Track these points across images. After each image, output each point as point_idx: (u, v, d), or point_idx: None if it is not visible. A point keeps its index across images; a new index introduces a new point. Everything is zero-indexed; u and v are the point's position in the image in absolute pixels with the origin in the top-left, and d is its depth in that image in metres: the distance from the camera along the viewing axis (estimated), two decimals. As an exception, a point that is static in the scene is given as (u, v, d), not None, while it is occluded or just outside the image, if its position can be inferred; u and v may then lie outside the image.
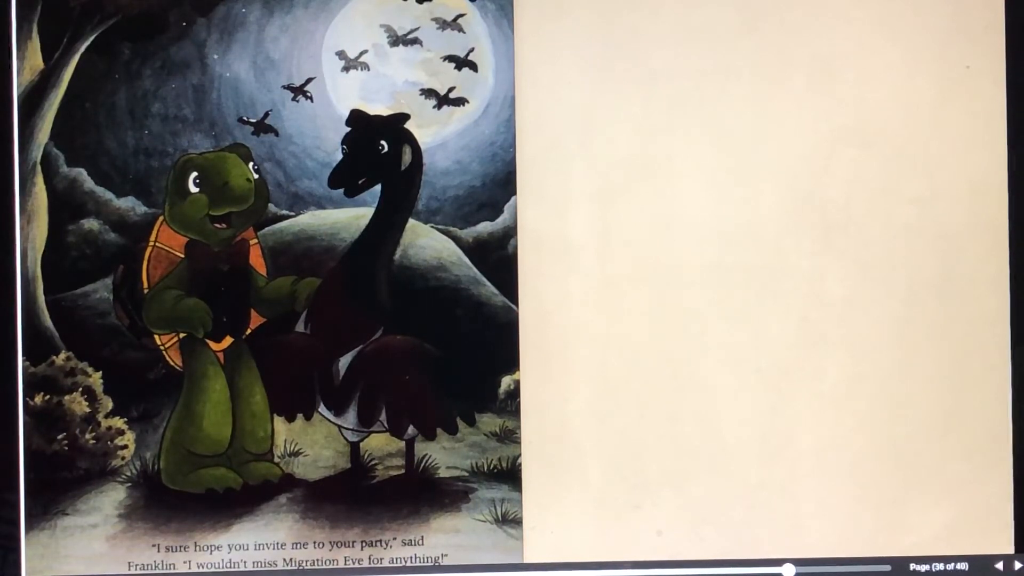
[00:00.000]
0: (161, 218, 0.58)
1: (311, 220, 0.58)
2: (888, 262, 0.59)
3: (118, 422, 0.58)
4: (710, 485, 0.59)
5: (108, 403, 0.58)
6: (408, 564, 0.59)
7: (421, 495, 0.59)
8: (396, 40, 0.58)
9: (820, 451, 0.59)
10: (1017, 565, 0.60)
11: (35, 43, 0.57)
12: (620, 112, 0.58)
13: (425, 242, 0.58)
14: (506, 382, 0.59)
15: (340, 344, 0.59)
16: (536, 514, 0.59)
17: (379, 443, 0.59)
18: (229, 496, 0.59)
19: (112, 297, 0.58)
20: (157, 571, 0.58)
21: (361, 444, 0.59)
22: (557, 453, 0.59)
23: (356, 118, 0.58)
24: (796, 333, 0.59)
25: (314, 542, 0.59)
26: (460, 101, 0.58)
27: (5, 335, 0.58)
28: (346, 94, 0.58)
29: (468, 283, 0.58)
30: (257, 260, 0.59)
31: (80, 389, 0.58)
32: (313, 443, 0.59)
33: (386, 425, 0.59)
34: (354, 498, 0.59)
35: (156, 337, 0.58)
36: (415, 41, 0.58)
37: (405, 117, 0.58)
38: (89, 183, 0.58)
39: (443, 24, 0.58)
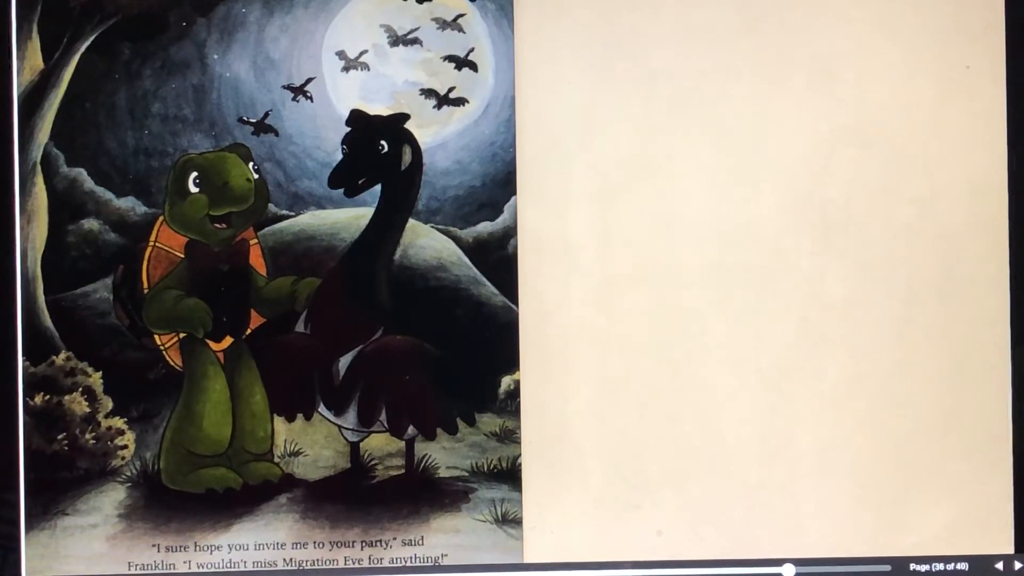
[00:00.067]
0: (161, 218, 0.58)
1: (311, 220, 0.58)
2: (888, 262, 0.59)
3: (118, 422, 0.58)
4: (710, 485, 0.59)
5: (108, 403, 0.58)
6: (408, 564, 0.59)
7: (421, 495, 0.59)
8: (396, 40, 0.58)
9: (820, 451, 0.59)
10: (1017, 565, 0.60)
11: (35, 43, 0.57)
12: (620, 112, 0.58)
13: (425, 242, 0.58)
14: (506, 382, 0.59)
15: (340, 344, 0.59)
16: (536, 514, 0.59)
17: (379, 443, 0.59)
18: (229, 496, 0.59)
19: (112, 297, 0.58)
20: (157, 571, 0.58)
21: (361, 444, 0.59)
22: (557, 453, 0.59)
23: (356, 118, 0.58)
24: (796, 333, 0.59)
25: (314, 542, 0.59)
26: (460, 101, 0.58)
27: (5, 335, 0.58)
28: (346, 94, 0.58)
29: (468, 283, 0.58)
30: (257, 260, 0.59)
31: (80, 389, 0.58)
32: (313, 443, 0.59)
33: (386, 425, 0.59)
34: (354, 498, 0.59)
35: (156, 337, 0.58)
36: (415, 41, 0.58)
37: (405, 117, 0.58)
38: (89, 183, 0.58)
39: (443, 24, 0.58)
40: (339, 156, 0.58)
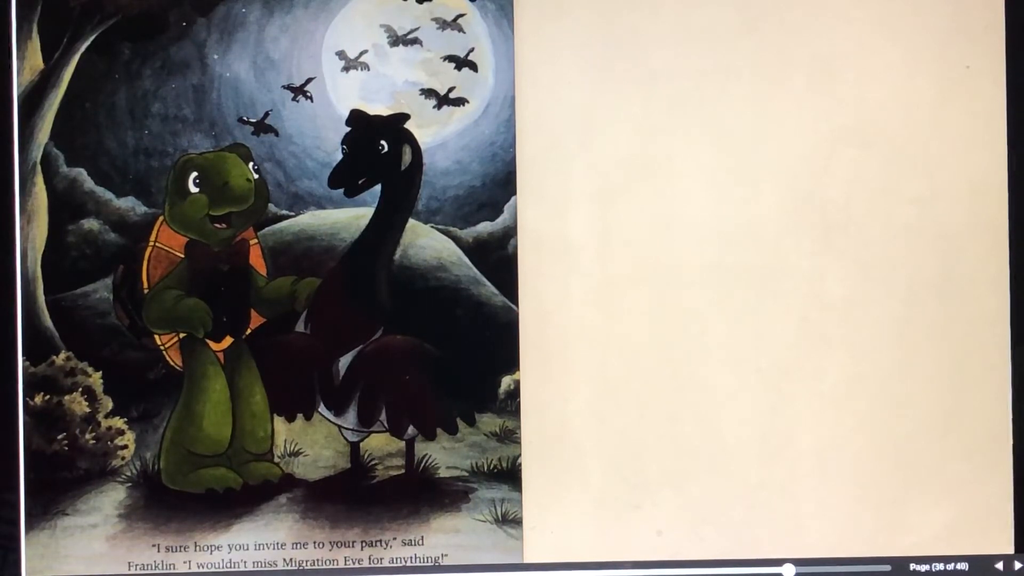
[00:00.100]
0: (161, 218, 0.58)
1: (311, 220, 0.58)
2: (888, 262, 0.59)
3: (118, 422, 0.58)
4: (710, 485, 0.59)
5: (108, 403, 0.58)
6: (408, 564, 0.59)
7: (421, 495, 0.59)
8: (396, 40, 0.58)
9: (820, 451, 0.59)
10: (1017, 565, 0.60)
11: (35, 43, 0.57)
12: (620, 112, 0.58)
13: (425, 242, 0.58)
14: (506, 382, 0.59)
15: (340, 344, 0.59)
16: (536, 514, 0.59)
17: (379, 443, 0.59)
18: (229, 496, 0.59)
19: (112, 297, 0.58)
20: (157, 571, 0.58)
21: (361, 444, 0.59)
22: (557, 453, 0.59)
23: (356, 118, 0.58)
24: (796, 333, 0.59)
25: (314, 542, 0.59)
26: (460, 101, 0.58)
27: (5, 335, 0.58)
28: (346, 94, 0.58)
29: (468, 283, 0.58)
30: (257, 260, 0.59)
31: (80, 389, 0.58)
32: (313, 443, 0.59)
33: (386, 425, 0.59)
34: (354, 498, 0.59)
35: (156, 337, 0.58)
36: (415, 41, 0.58)
37: (405, 117, 0.58)
38: (89, 183, 0.58)
39: (443, 24, 0.58)
40: (339, 156, 0.58)
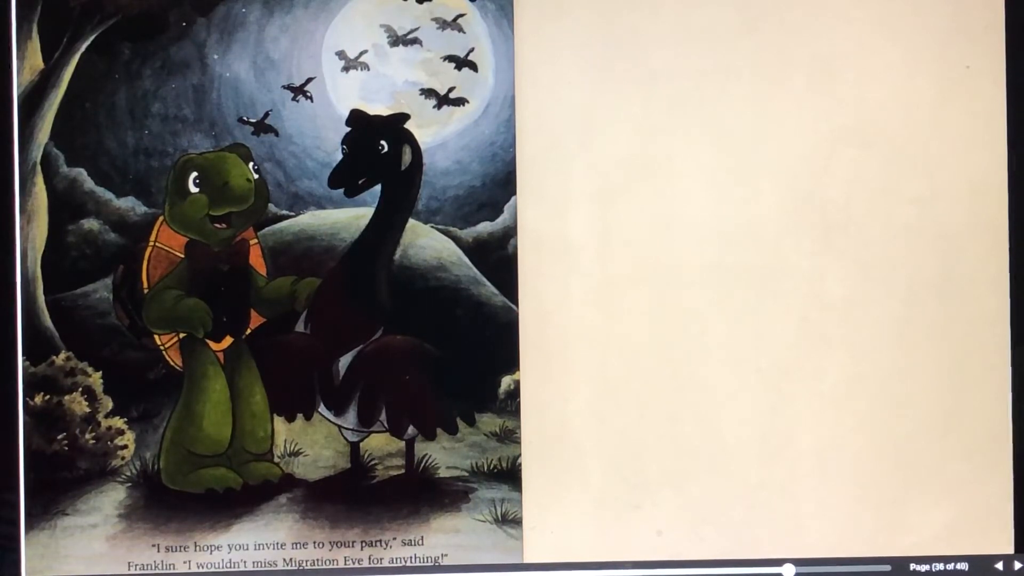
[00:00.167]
0: (161, 218, 0.58)
1: (311, 220, 0.58)
2: (888, 262, 0.59)
3: (118, 422, 0.58)
4: (710, 485, 0.59)
5: (108, 403, 0.58)
6: (408, 564, 0.59)
7: (421, 495, 0.59)
8: (396, 40, 0.58)
9: (820, 451, 0.59)
10: (1017, 565, 0.60)
11: (35, 43, 0.57)
12: (620, 112, 0.58)
13: (425, 242, 0.58)
14: (506, 382, 0.59)
15: (340, 344, 0.59)
16: (536, 514, 0.59)
17: (379, 443, 0.59)
18: (229, 496, 0.59)
19: (112, 297, 0.58)
20: (157, 571, 0.58)
21: (361, 444, 0.59)
22: (557, 453, 0.59)
23: (356, 118, 0.58)
24: (796, 333, 0.59)
25: (314, 542, 0.59)
26: (460, 101, 0.58)
27: (5, 335, 0.58)
28: (346, 94, 0.58)
29: (468, 283, 0.58)
30: (257, 260, 0.59)
31: (80, 389, 0.58)
32: (313, 443, 0.59)
33: (386, 425, 0.59)
34: (354, 498, 0.59)
35: (156, 337, 0.58)
36: (415, 41, 0.58)
37: (405, 117, 0.58)
38: (89, 183, 0.58)
39: (443, 24, 0.58)
40: (339, 156, 0.58)
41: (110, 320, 0.58)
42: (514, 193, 0.58)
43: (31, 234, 0.58)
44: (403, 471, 0.59)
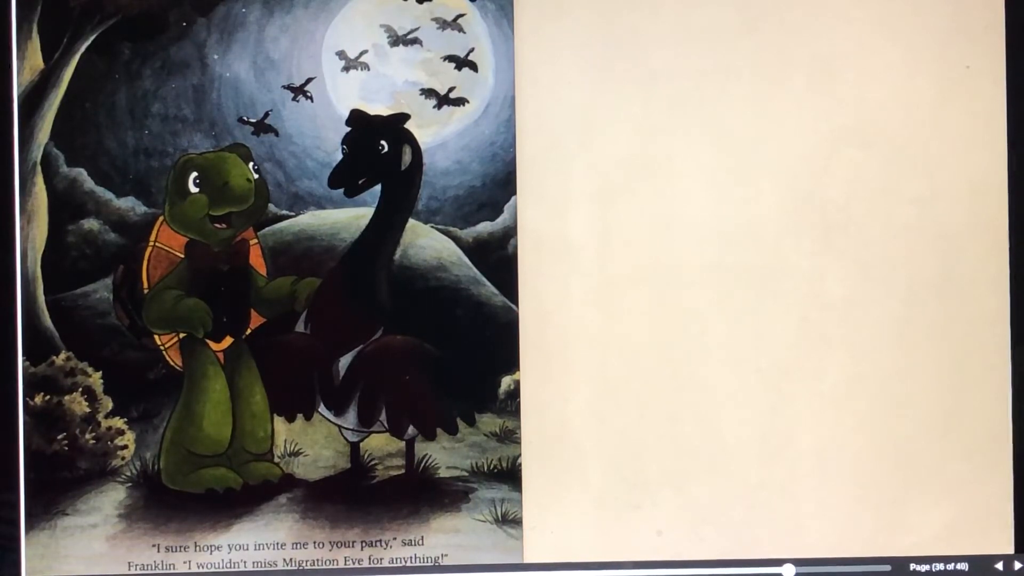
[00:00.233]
0: (161, 218, 0.58)
1: (311, 220, 0.58)
2: (888, 262, 0.59)
3: (118, 422, 0.58)
4: (710, 485, 0.59)
5: (108, 403, 0.58)
6: (408, 564, 0.59)
7: (421, 495, 0.59)
8: (396, 40, 0.58)
9: (820, 451, 0.59)
10: (1017, 565, 0.60)
11: (35, 43, 0.57)
12: (620, 112, 0.58)
13: (425, 242, 0.58)
14: (506, 382, 0.59)
15: (340, 344, 0.59)
16: (536, 514, 0.59)
17: (379, 443, 0.59)
18: (229, 496, 0.59)
19: (112, 297, 0.58)
20: (157, 571, 0.58)
21: (361, 444, 0.59)
22: (557, 453, 0.59)
23: (356, 118, 0.58)
24: (796, 333, 0.59)
25: (314, 542, 0.59)
26: (460, 101, 0.58)
27: (5, 335, 0.58)
28: (346, 94, 0.58)
29: (468, 283, 0.58)
30: (257, 260, 0.59)
31: (80, 389, 0.58)
32: (313, 443, 0.59)
33: (386, 425, 0.59)
34: (354, 498, 0.59)
35: (156, 337, 0.58)
36: (415, 41, 0.58)
37: (405, 117, 0.58)
38: (89, 183, 0.58)
39: (443, 24, 0.58)
40: (339, 156, 0.58)
41: (110, 320, 0.58)
42: (514, 193, 0.58)
43: (31, 234, 0.58)
44: (403, 471, 0.59)
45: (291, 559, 0.59)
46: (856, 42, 0.59)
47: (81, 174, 0.58)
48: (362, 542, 0.59)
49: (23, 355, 0.58)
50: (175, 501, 0.59)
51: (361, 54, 0.58)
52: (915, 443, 0.59)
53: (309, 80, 0.58)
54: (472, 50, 0.58)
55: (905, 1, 0.59)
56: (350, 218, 0.58)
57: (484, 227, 0.58)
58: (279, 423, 0.59)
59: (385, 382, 0.59)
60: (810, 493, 0.59)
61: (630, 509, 0.59)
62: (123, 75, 0.58)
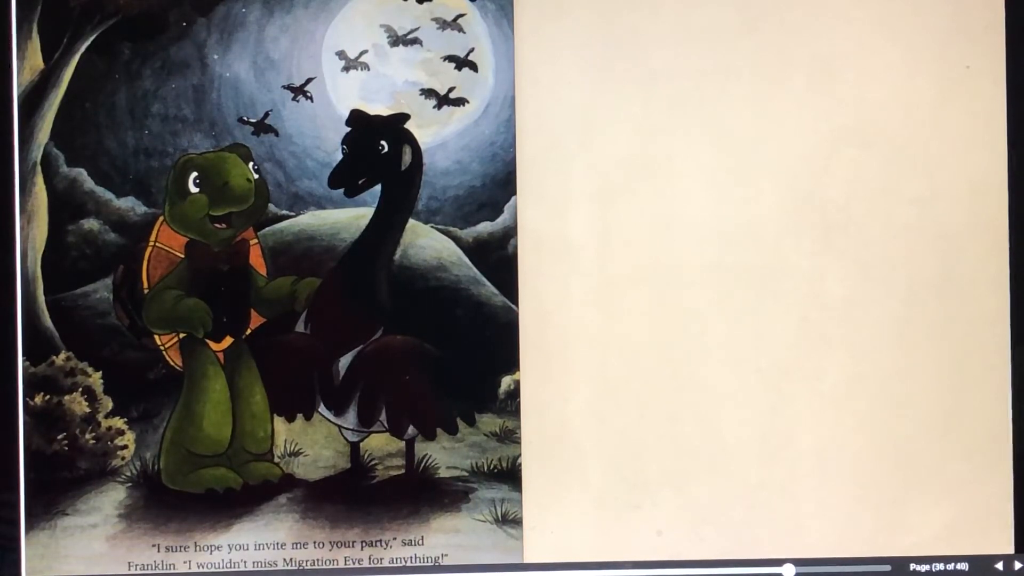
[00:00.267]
0: (161, 218, 0.58)
1: (311, 220, 0.58)
2: (888, 262, 0.59)
3: (118, 422, 0.58)
4: (710, 485, 0.59)
5: (108, 403, 0.58)
6: (408, 564, 0.59)
7: (421, 495, 0.59)
8: (396, 40, 0.58)
9: (820, 451, 0.59)
10: (1017, 565, 0.60)
11: (35, 43, 0.57)
12: (620, 112, 0.58)
13: (425, 242, 0.58)
14: (506, 382, 0.59)
15: (340, 344, 0.59)
16: (536, 514, 0.59)
17: (379, 443, 0.59)
18: (229, 496, 0.59)
19: (112, 297, 0.58)
20: (157, 571, 0.58)
21: (361, 444, 0.59)
22: (557, 453, 0.59)
23: (356, 118, 0.58)
24: (796, 333, 0.59)
25: (314, 542, 0.59)
26: (460, 101, 0.58)
27: (5, 335, 0.58)
28: (346, 94, 0.58)
29: (468, 283, 0.58)
30: (257, 260, 0.59)
31: (80, 389, 0.58)
32: (313, 443, 0.59)
33: (386, 425, 0.59)
34: (354, 498, 0.59)
35: (156, 337, 0.58)
36: (415, 41, 0.58)
37: (405, 117, 0.58)
38: (89, 183, 0.58)
39: (443, 24, 0.58)
40: (339, 156, 0.58)
41: (110, 320, 0.58)
42: (514, 193, 0.58)
43: (31, 234, 0.58)
44: (403, 471, 0.59)
45: (291, 559, 0.59)
46: (856, 42, 0.59)
47: (81, 174, 0.58)
48: (362, 542, 0.59)
49: (23, 355, 0.58)
50: (175, 501, 0.59)
51: (361, 54, 0.58)
52: (915, 443, 0.59)
53: (309, 80, 0.58)
54: (472, 50, 0.58)
55: (905, 1, 0.59)
56: (350, 218, 0.58)
57: (484, 227, 0.58)
58: (279, 423, 0.59)
59: (385, 382, 0.59)
60: (810, 493, 0.59)
61: (630, 509, 0.59)
62: (123, 75, 0.58)
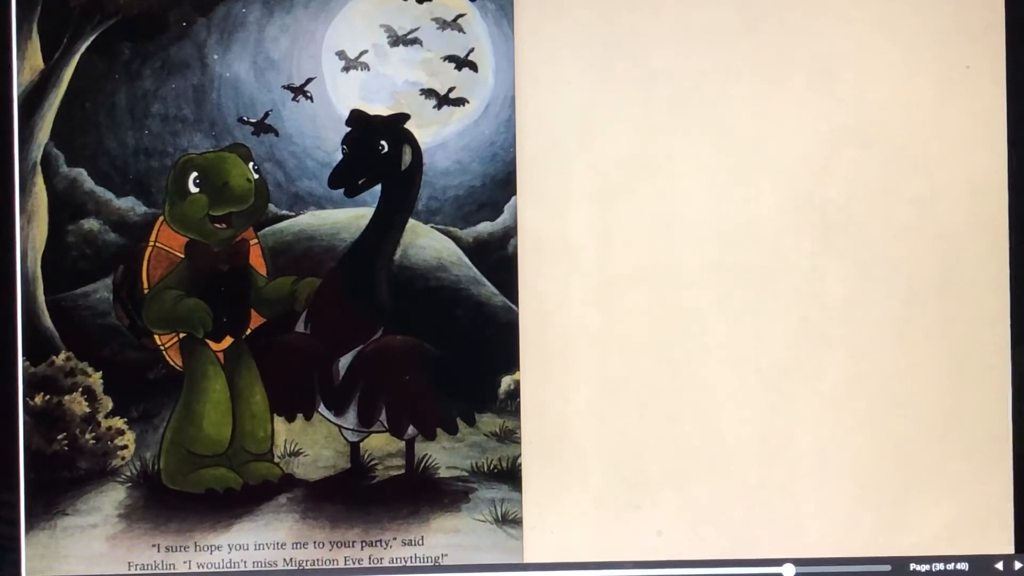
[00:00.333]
0: (161, 218, 0.58)
1: (311, 220, 0.58)
2: (888, 262, 0.59)
3: (118, 422, 0.58)
4: (710, 485, 0.59)
5: (108, 403, 0.58)
6: (408, 564, 0.59)
7: (421, 495, 0.59)
8: (396, 40, 0.58)
9: (820, 451, 0.59)
10: (1017, 565, 0.60)
11: (35, 43, 0.57)
12: (620, 112, 0.58)
13: (425, 242, 0.58)
14: (506, 382, 0.59)
15: (340, 344, 0.59)
16: (536, 514, 0.59)
17: (379, 443, 0.59)
18: (229, 496, 0.59)
19: (112, 297, 0.58)
20: (157, 571, 0.58)
21: (361, 444, 0.59)
22: (557, 453, 0.59)
23: (356, 118, 0.58)
24: (796, 333, 0.59)
25: (314, 542, 0.59)
26: (460, 101, 0.58)
27: (5, 335, 0.58)
28: (346, 94, 0.58)
29: (468, 283, 0.58)
30: (257, 260, 0.59)
31: (80, 389, 0.58)
32: (313, 443, 0.59)
33: (386, 425, 0.59)
34: (354, 498, 0.59)
35: (156, 337, 0.58)
36: (415, 41, 0.58)
37: (405, 117, 0.58)
38: (89, 183, 0.58)
39: (443, 24, 0.58)
40: (339, 156, 0.58)
41: (110, 320, 0.58)
42: (514, 193, 0.58)
43: (31, 234, 0.58)
44: (403, 471, 0.59)
45: (291, 559, 0.59)
46: (856, 42, 0.59)
47: (81, 174, 0.58)
48: (362, 542, 0.59)
49: (23, 355, 0.58)
50: (175, 501, 0.59)
51: (361, 54, 0.58)
52: (915, 443, 0.59)
53: (309, 80, 0.58)
54: (472, 50, 0.58)
55: (905, 1, 0.59)
56: (350, 218, 0.58)
57: (484, 227, 0.58)
58: (279, 423, 0.59)
59: (385, 382, 0.59)
60: (810, 493, 0.59)
61: (630, 509, 0.59)
62: (123, 75, 0.58)
